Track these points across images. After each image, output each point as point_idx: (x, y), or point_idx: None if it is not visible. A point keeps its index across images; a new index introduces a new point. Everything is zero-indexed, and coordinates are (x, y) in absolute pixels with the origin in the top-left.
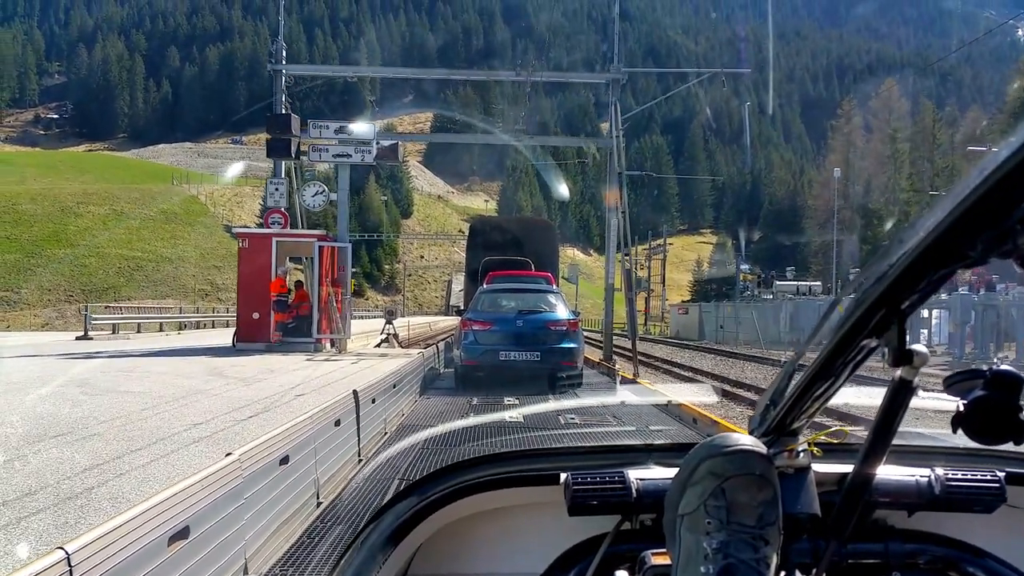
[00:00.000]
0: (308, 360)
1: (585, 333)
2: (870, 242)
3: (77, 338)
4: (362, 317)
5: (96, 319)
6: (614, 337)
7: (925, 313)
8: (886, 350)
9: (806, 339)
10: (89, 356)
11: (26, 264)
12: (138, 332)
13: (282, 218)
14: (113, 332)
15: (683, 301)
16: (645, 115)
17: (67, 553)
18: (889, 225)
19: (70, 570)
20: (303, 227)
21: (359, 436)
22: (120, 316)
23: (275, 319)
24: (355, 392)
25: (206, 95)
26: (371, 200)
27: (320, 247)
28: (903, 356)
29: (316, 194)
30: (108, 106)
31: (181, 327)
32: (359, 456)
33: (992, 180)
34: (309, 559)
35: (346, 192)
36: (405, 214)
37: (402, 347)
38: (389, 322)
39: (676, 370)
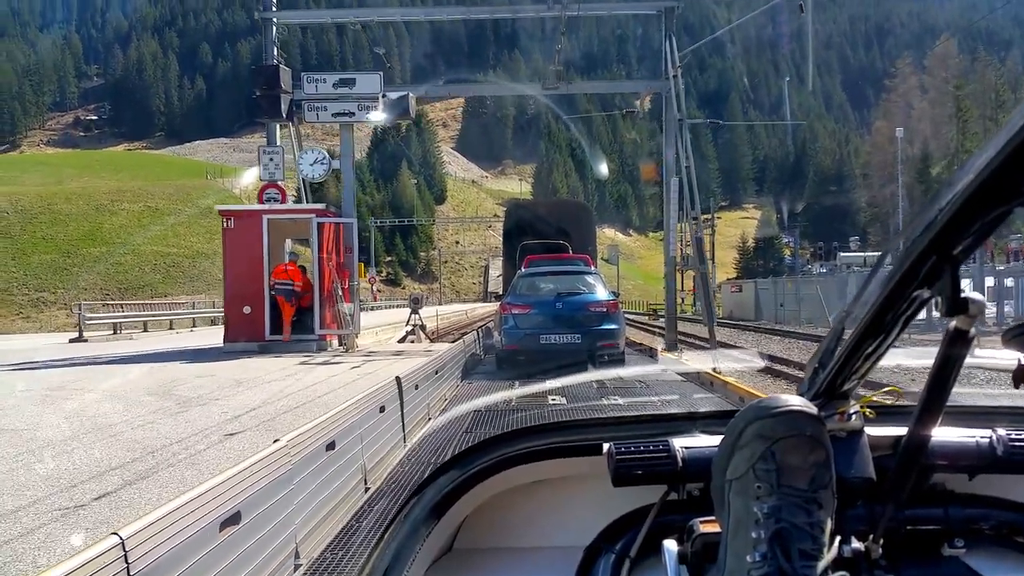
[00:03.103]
0: (301, 364)
1: (629, 316)
2: None
3: (71, 340)
4: (397, 306)
5: (93, 319)
6: (637, 319)
7: (1010, 282)
8: (939, 300)
9: (854, 296)
10: (46, 365)
11: (62, 264)
12: (145, 331)
13: (279, 193)
14: (114, 332)
15: (729, 279)
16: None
17: (121, 539)
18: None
19: (125, 555)
20: (308, 203)
21: (403, 422)
22: (123, 315)
23: (287, 312)
24: (398, 379)
25: (240, 90)
26: (404, 187)
27: (319, 224)
28: (957, 305)
29: (315, 162)
30: (144, 105)
31: (194, 324)
32: (404, 442)
33: None
34: (357, 542)
35: (350, 159)
36: (439, 200)
37: (430, 340)
38: (415, 312)
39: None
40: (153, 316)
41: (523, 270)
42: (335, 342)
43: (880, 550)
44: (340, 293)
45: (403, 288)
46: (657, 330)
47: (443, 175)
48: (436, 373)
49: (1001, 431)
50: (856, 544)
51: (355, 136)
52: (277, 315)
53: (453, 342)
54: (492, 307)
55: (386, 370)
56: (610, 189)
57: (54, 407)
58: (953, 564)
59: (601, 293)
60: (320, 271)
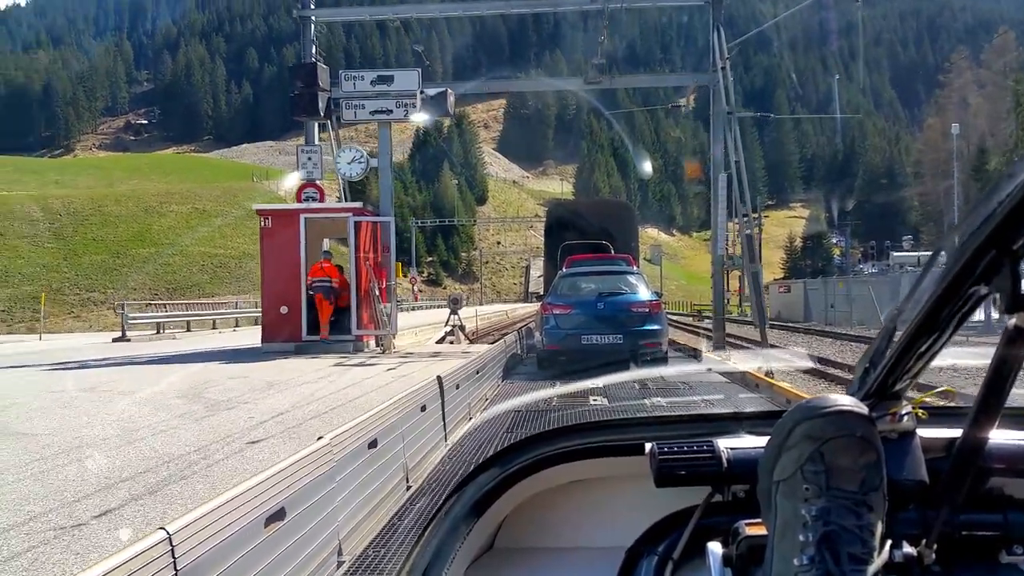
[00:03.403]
0: (336, 365)
1: (672, 317)
2: None
3: (114, 340)
4: (438, 307)
5: (137, 318)
6: (683, 320)
7: None
8: (997, 296)
9: (907, 293)
10: (84, 365)
11: (112, 264)
12: (188, 330)
13: (318, 192)
14: (157, 331)
15: (776, 279)
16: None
17: (168, 533)
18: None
19: (172, 550)
20: (347, 202)
21: (444, 421)
22: (165, 315)
23: (325, 311)
24: (439, 378)
25: (285, 94)
26: (446, 187)
27: (356, 223)
28: (1018, 302)
29: (353, 161)
30: (193, 109)
31: (237, 323)
32: (445, 441)
33: None
34: (399, 539)
35: (388, 157)
36: (480, 200)
37: (469, 341)
38: (454, 312)
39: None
40: (195, 316)
41: (564, 270)
42: (372, 343)
43: (933, 555)
44: (377, 293)
45: (444, 288)
46: (703, 331)
47: (484, 176)
48: (477, 373)
49: None
50: (908, 549)
51: (398, 137)
52: (314, 315)
53: (492, 343)
54: (533, 308)
55: (422, 372)
56: (653, 188)
57: (80, 410)
58: (1011, 572)
59: (643, 293)
60: (357, 270)
